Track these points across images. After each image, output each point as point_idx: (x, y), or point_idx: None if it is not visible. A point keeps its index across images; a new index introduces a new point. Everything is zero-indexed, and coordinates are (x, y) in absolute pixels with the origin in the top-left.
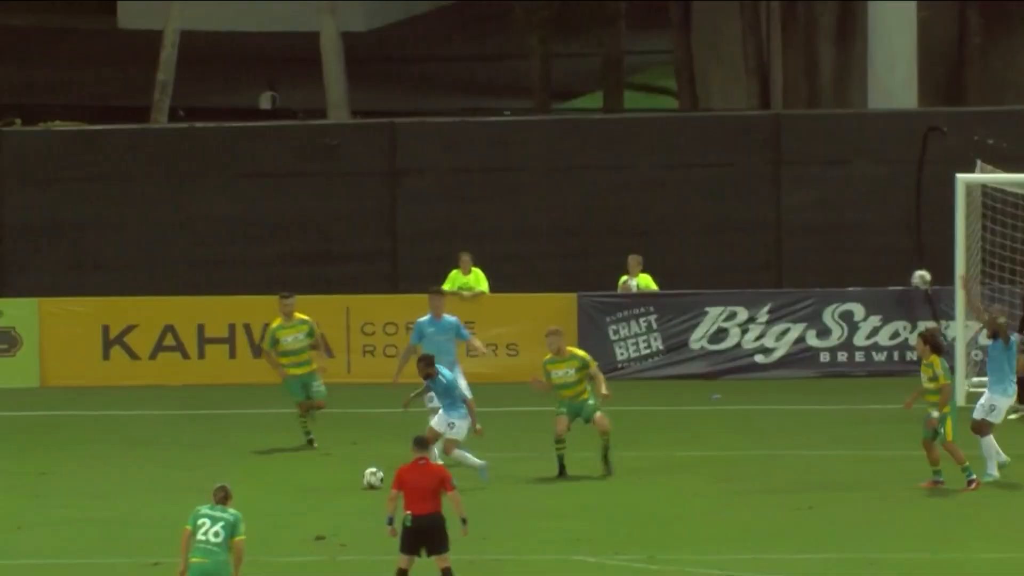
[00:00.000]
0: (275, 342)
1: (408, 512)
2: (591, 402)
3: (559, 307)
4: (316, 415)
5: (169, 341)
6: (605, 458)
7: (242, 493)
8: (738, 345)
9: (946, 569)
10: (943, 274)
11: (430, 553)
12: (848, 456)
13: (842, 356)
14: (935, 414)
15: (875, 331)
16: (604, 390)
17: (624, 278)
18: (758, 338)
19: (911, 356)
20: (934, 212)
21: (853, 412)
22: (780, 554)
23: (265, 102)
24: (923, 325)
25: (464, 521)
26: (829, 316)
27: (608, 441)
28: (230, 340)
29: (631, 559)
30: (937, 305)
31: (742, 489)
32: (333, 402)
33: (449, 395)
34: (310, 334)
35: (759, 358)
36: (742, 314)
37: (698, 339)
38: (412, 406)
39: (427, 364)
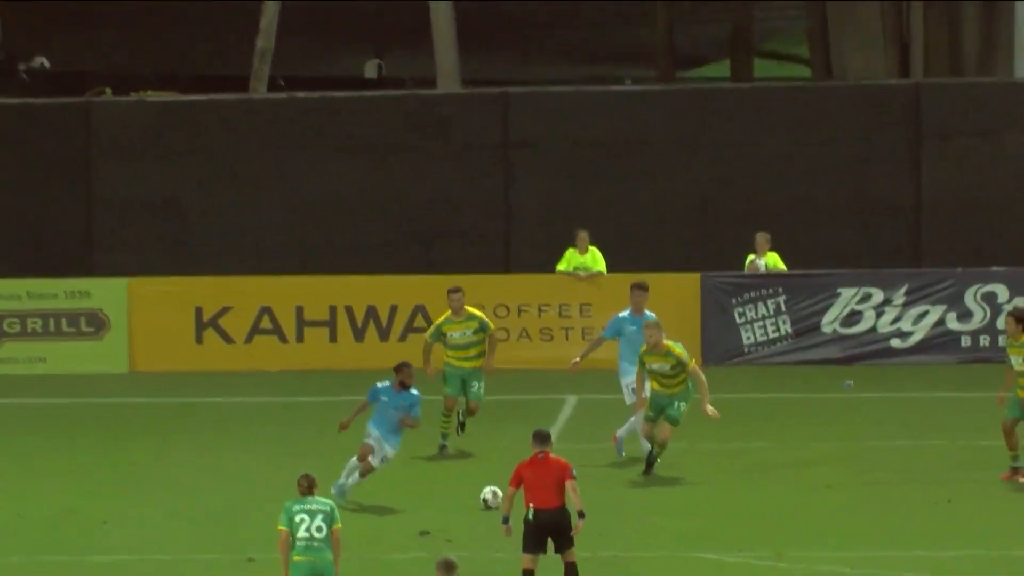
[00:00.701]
0: (440, 336)
1: (531, 506)
2: (677, 405)
3: (682, 288)
4: (458, 422)
5: (266, 324)
6: (650, 465)
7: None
8: (873, 329)
9: None
10: None
11: (558, 549)
12: (989, 447)
13: (984, 340)
14: None
15: None
16: (708, 406)
17: (751, 257)
18: (894, 321)
19: None
20: None
21: (995, 400)
22: (917, 551)
23: (371, 71)
24: None
25: (581, 515)
26: (971, 298)
27: (661, 453)
28: (331, 323)
29: (756, 556)
30: None
31: (877, 481)
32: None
33: (396, 417)
34: (481, 330)
35: (895, 342)
36: (877, 295)
37: (830, 322)
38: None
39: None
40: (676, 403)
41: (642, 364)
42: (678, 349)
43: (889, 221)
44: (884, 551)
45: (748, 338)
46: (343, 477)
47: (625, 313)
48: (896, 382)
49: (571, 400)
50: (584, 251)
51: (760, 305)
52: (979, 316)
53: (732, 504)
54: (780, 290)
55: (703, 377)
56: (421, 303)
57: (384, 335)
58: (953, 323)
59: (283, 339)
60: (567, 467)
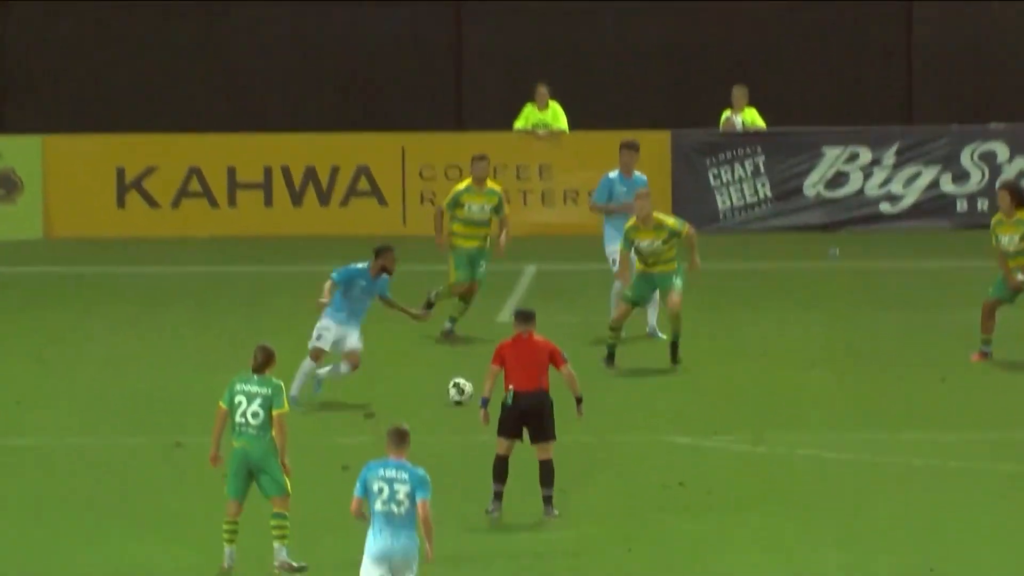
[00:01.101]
0: (457, 205)
1: (511, 388)
2: (676, 279)
3: (651, 148)
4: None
5: (194, 186)
6: (674, 348)
7: (289, 364)
8: (860, 192)
9: None
10: None
11: (534, 439)
12: None
13: (982, 204)
14: None
15: (1022, 174)
16: (697, 259)
17: (727, 113)
18: (883, 184)
19: None
20: None
21: (995, 271)
22: (907, 433)
23: None
24: None
25: (579, 400)
26: (967, 157)
27: (679, 329)
28: (265, 186)
29: (733, 440)
30: None
31: (863, 358)
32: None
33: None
34: (498, 209)
35: (884, 207)
36: (865, 155)
37: (813, 185)
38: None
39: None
40: (671, 279)
41: (628, 242)
42: (671, 221)
43: (878, 73)
44: (871, 433)
45: (723, 202)
46: (294, 386)
47: (614, 174)
48: (885, 250)
49: (530, 270)
50: (544, 107)
51: (737, 166)
52: (976, 177)
53: (707, 385)
54: (759, 150)
55: (695, 238)
56: (364, 164)
57: (324, 199)
58: (948, 185)
59: (213, 203)
60: (554, 350)
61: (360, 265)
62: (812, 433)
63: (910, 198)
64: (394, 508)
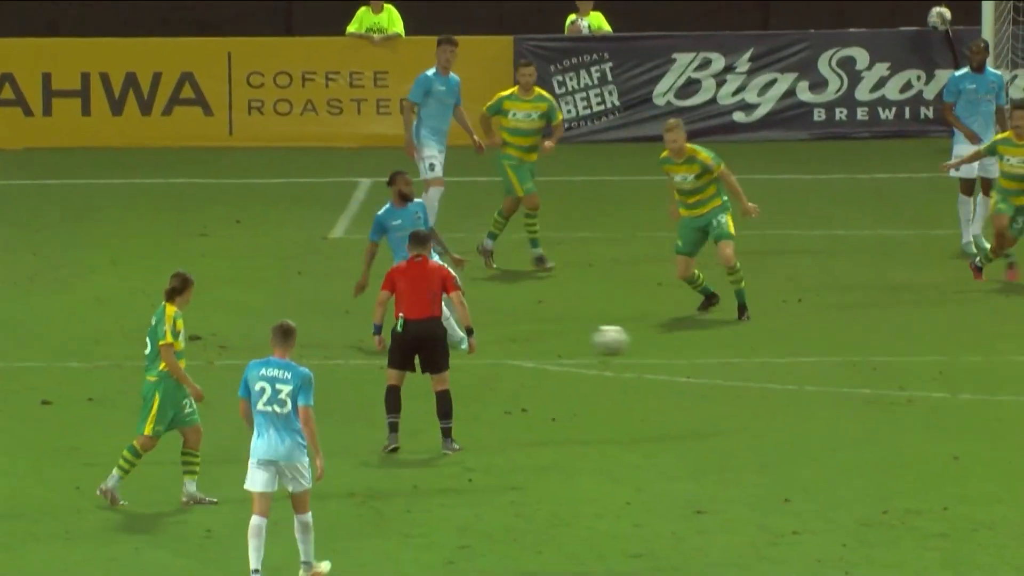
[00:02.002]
0: (499, 112)
1: (400, 315)
2: (719, 220)
3: (491, 53)
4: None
5: (7, 94)
6: (741, 305)
7: (109, 286)
8: (713, 100)
9: (967, 369)
10: (967, 10)
11: (426, 369)
12: (848, 236)
13: (841, 114)
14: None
15: (882, 82)
16: (747, 204)
17: (572, 17)
18: (737, 91)
19: (927, 113)
20: None
21: (855, 183)
22: (760, 357)
23: None
24: (942, 75)
25: (470, 332)
26: (825, 64)
27: (740, 279)
28: (83, 93)
29: (579, 364)
30: (959, 48)
31: (716, 278)
32: (212, 170)
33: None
34: (547, 115)
35: (738, 116)
36: (718, 62)
37: (663, 93)
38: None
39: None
40: (716, 219)
41: (665, 174)
42: (704, 153)
43: None
44: (724, 358)
45: (569, 111)
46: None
47: (431, 71)
48: (740, 161)
49: (364, 183)
50: (379, 10)
51: (583, 73)
52: (835, 85)
53: (553, 306)
54: (606, 56)
55: (734, 179)
56: (189, 70)
57: (146, 107)
58: (805, 93)
59: (28, 112)
60: (448, 276)
61: (382, 211)
62: (663, 358)
63: (765, 107)
64: (276, 408)
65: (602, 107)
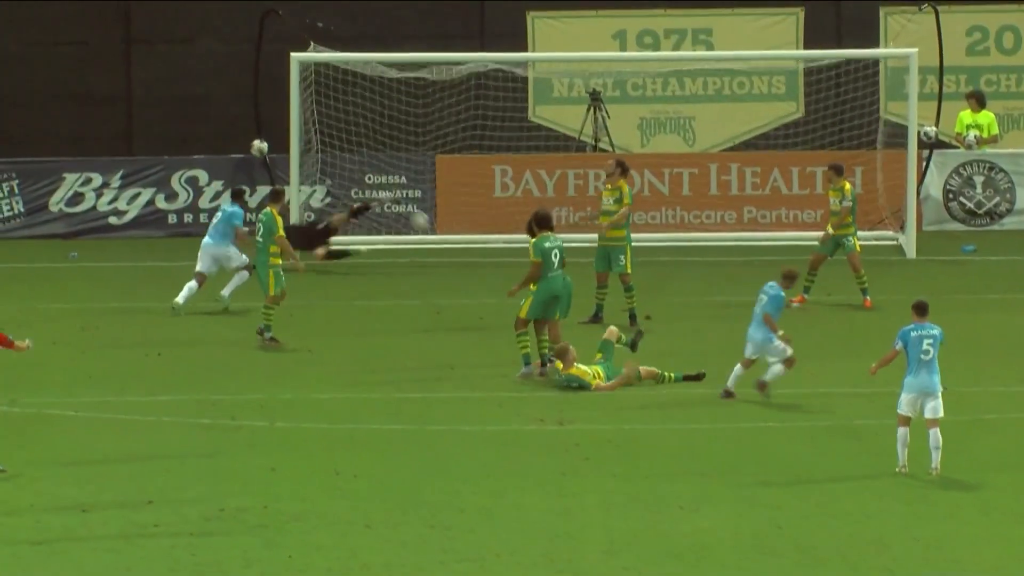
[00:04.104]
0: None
1: None
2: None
3: None
4: None
5: None
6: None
7: None
8: (94, 208)
9: (282, 403)
10: (279, 143)
11: None
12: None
13: (188, 217)
14: None
15: (218, 194)
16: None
17: None
18: (112, 201)
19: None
20: (271, 86)
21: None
22: (135, 396)
23: None
24: (263, 189)
25: None
26: (176, 181)
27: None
28: None
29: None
30: (274, 171)
31: (102, 340)
32: None
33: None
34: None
35: (113, 219)
36: (97, 179)
37: (57, 202)
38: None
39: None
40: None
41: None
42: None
43: (106, 114)
44: (107, 396)
45: None
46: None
47: None
48: (115, 253)
49: None
50: None
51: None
52: (184, 197)
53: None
54: (14, 175)
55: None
56: None
57: None
58: (162, 203)
59: None
60: None
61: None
62: (59, 396)
63: (132, 213)
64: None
65: (11, 213)
